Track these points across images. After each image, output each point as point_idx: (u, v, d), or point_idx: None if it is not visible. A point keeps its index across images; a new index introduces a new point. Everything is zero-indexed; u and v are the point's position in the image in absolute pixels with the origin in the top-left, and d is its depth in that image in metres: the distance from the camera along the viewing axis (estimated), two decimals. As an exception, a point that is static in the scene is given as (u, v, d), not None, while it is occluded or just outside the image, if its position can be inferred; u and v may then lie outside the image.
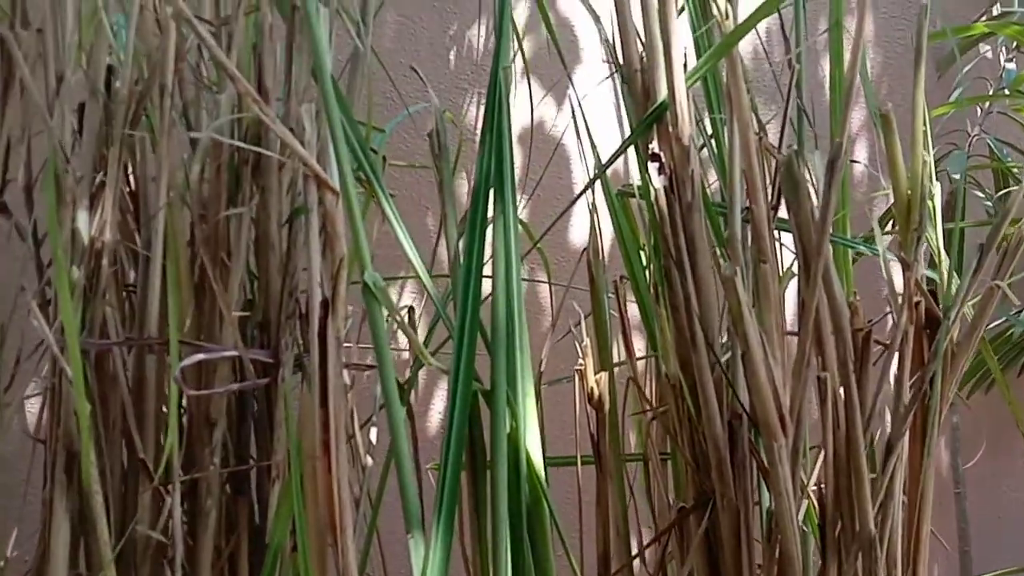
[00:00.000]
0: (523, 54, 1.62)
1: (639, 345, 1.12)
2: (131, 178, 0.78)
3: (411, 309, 0.98)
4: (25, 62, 0.73)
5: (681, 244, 0.72)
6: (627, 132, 1.73)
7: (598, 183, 1.00)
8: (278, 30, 0.85)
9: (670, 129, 0.72)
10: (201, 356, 0.68)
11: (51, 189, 0.71)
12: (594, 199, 0.99)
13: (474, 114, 1.71)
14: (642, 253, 1.11)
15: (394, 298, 1.34)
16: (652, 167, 0.73)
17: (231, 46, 0.76)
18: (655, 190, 0.73)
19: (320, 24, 0.72)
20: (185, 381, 0.70)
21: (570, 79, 1.34)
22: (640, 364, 0.98)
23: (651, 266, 1.07)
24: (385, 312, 0.67)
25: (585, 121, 1.31)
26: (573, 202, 0.96)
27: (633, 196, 1.09)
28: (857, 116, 1.87)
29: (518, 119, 1.72)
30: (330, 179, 0.70)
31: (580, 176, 1.67)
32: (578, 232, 1.72)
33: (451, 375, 0.67)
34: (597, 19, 1.24)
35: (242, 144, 0.71)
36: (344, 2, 0.85)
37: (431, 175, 0.81)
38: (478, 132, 1.70)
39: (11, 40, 0.71)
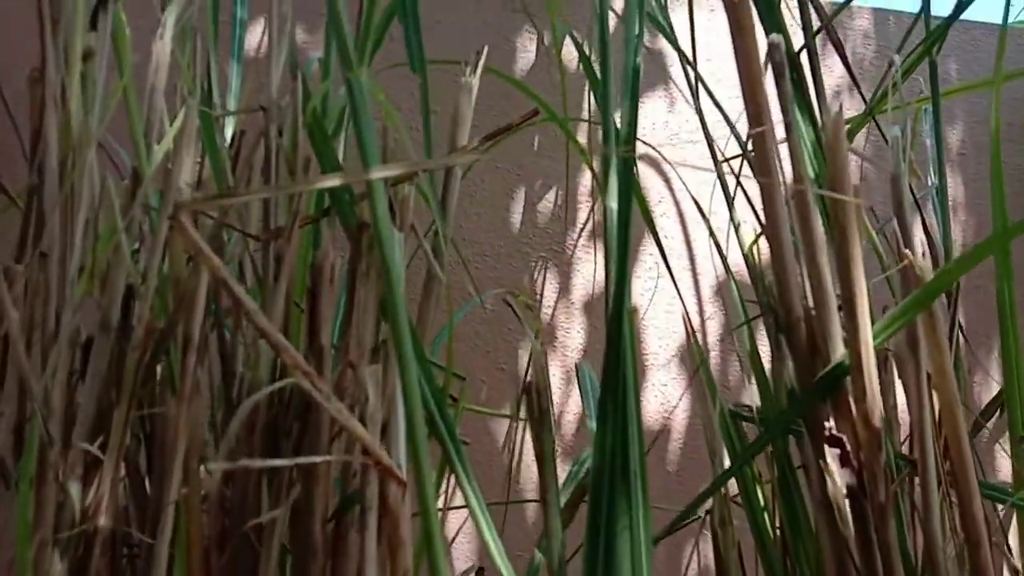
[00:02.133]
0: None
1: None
2: (141, 435, 0.58)
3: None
4: (24, 295, 0.55)
5: (875, 560, 0.50)
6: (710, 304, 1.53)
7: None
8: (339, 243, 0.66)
9: (854, 405, 0.51)
10: None
11: (29, 467, 0.51)
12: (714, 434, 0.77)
13: (539, 279, 1.52)
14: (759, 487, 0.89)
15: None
16: (830, 454, 0.51)
17: (279, 274, 0.57)
18: (834, 484, 0.51)
19: (395, 248, 0.53)
20: None
21: (666, 263, 1.14)
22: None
23: (774, 506, 0.84)
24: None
25: (694, 329, 1.11)
26: (692, 509, 0.72)
27: (750, 420, 0.87)
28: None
29: (583, 284, 1.54)
30: (395, 466, 0.49)
31: (660, 343, 1.47)
32: (651, 400, 1.50)
33: None
34: (704, 215, 1.05)
35: (280, 462, 0.50)
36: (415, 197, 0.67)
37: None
38: (538, 296, 1.52)
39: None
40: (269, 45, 0.71)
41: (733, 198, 0.76)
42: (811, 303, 0.54)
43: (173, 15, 0.65)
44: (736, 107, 1.63)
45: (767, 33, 0.71)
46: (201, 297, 0.54)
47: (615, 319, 0.53)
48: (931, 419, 0.54)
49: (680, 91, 1.53)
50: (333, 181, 0.44)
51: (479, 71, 0.68)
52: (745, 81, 0.53)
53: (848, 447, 0.50)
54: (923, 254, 0.55)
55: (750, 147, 0.78)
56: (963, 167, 1.74)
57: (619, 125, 0.61)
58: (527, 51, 1.48)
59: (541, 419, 0.55)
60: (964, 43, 1.70)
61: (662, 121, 1.56)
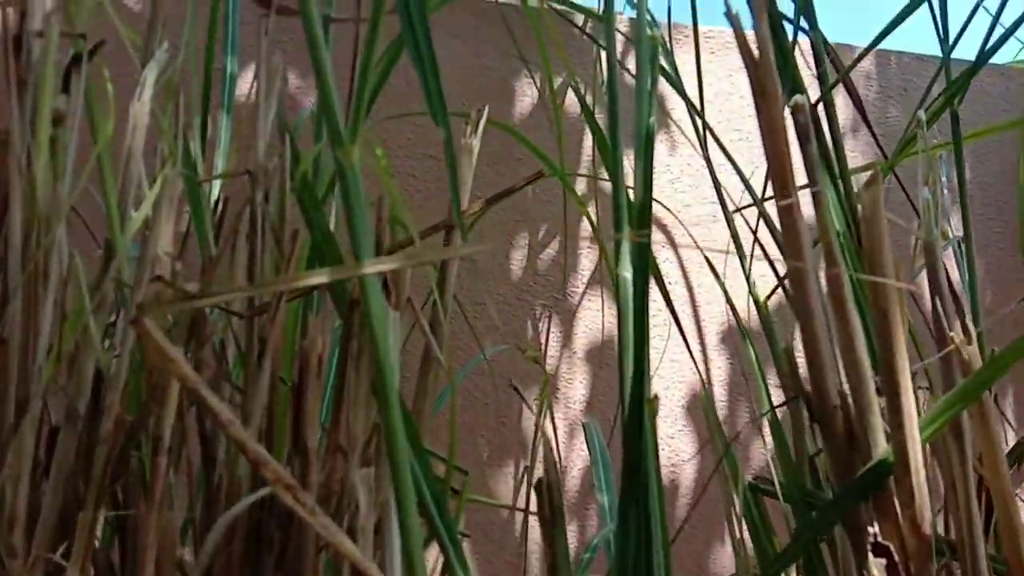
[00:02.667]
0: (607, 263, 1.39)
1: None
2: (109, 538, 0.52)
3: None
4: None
5: None
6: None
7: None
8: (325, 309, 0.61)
9: (899, 508, 0.45)
10: None
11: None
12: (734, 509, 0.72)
13: (542, 328, 1.47)
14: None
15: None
16: (875, 563, 0.46)
17: (263, 355, 0.52)
18: (879, 598, 0.46)
19: (388, 336, 0.48)
20: None
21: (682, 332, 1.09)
22: None
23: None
24: None
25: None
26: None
27: (771, 495, 0.82)
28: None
29: (586, 332, 1.48)
30: (392, 584, 0.44)
31: (666, 393, 1.41)
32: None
33: None
34: (716, 274, 0.99)
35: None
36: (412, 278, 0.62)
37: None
38: (541, 345, 1.46)
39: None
40: (257, 99, 0.67)
41: (750, 262, 0.71)
42: (845, 387, 0.48)
43: (153, 74, 0.60)
44: (738, 149, 1.59)
45: (782, 85, 0.67)
46: (174, 391, 0.48)
47: (633, 413, 0.47)
48: (980, 516, 0.49)
49: (684, 133, 1.48)
50: (321, 278, 0.39)
51: (480, 131, 0.63)
52: (769, 148, 0.48)
53: (896, 557, 0.45)
54: (963, 332, 0.50)
55: (760, 195, 0.73)
56: (970, 206, 1.70)
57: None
58: (526, 95, 1.44)
59: (553, 519, 0.49)
60: (971, 87, 1.67)
61: (663, 165, 1.51)
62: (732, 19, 0.50)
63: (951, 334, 0.48)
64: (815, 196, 0.47)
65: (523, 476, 1.05)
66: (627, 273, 0.55)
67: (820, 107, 0.77)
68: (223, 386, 0.58)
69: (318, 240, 0.56)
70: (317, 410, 0.50)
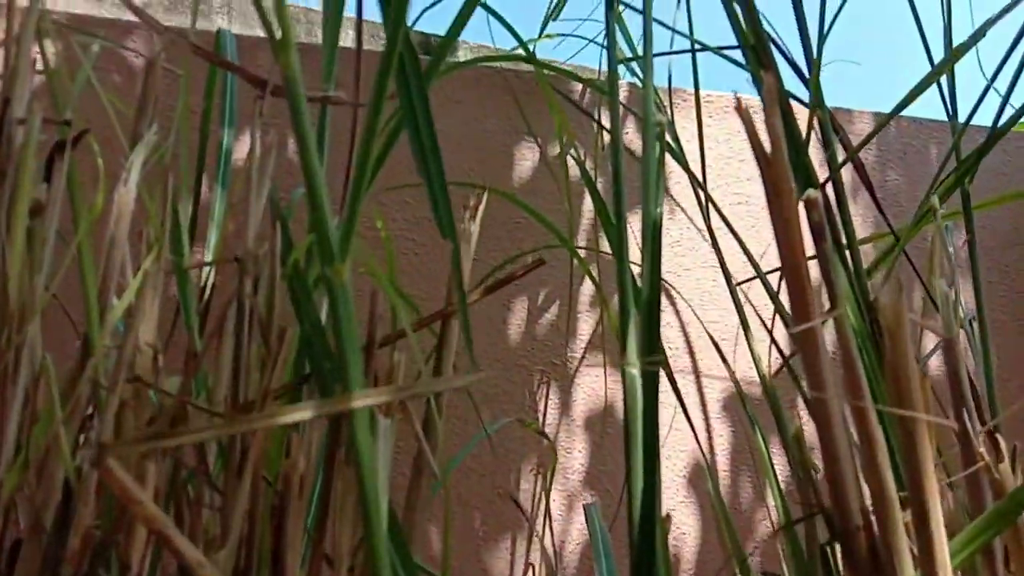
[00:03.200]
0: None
1: None
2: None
3: None
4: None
5: None
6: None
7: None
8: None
9: (932, 646, 0.41)
10: None
11: None
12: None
13: (540, 396, 1.43)
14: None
15: None
16: None
17: (244, 462, 0.48)
18: None
19: (374, 451, 0.44)
20: None
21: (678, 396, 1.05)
22: None
23: None
24: None
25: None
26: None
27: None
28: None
29: (585, 399, 1.44)
30: None
31: (667, 463, 1.37)
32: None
33: None
34: (723, 357, 0.96)
35: None
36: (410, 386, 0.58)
37: None
38: (540, 413, 1.42)
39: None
40: (248, 183, 0.64)
41: (769, 347, 0.68)
42: (868, 503, 0.45)
43: (140, 157, 0.57)
44: (737, 213, 1.55)
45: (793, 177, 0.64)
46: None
47: (644, 532, 0.43)
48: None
49: (683, 210, 1.46)
50: (305, 413, 0.35)
51: (479, 216, 0.60)
52: (785, 253, 0.45)
53: None
54: (993, 446, 0.47)
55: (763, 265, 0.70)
56: (970, 271, 1.68)
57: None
58: (527, 159, 1.43)
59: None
60: (967, 150, 1.66)
61: (663, 228, 1.50)
62: (742, 114, 0.48)
63: (980, 451, 0.45)
64: (831, 300, 0.44)
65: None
66: (635, 370, 0.51)
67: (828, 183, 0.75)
68: (203, 488, 0.54)
69: (307, 333, 0.53)
70: (299, 534, 0.46)
